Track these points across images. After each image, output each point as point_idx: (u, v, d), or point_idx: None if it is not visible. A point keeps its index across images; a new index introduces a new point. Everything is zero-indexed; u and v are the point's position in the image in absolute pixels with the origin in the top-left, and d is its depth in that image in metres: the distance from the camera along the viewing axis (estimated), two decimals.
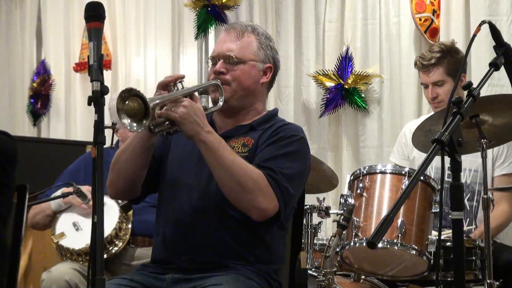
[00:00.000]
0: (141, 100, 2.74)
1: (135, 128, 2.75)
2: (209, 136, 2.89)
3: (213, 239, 2.97)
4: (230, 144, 3.04)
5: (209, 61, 3.19)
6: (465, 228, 4.07)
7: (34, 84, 7.20)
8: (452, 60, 4.44)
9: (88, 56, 2.40)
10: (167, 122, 2.90)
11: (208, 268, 2.95)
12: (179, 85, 2.92)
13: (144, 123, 2.74)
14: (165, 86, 2.92)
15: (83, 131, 6.95)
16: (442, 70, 4.43)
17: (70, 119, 7.11)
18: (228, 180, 2.88)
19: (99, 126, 2.34)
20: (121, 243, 4.13)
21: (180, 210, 3.03)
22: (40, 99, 7.18)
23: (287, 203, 2.96)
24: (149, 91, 6.51)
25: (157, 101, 2.83)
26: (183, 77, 2.94)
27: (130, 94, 2.73)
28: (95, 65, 2.38)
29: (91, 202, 4.13)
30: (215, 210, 2.98)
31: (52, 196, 4.28)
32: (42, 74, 7.18)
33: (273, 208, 2.92)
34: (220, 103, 3.07)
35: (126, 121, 2.74)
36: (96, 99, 2.35)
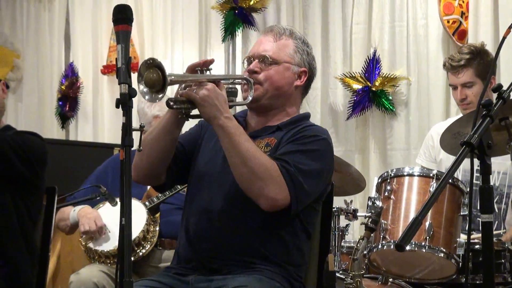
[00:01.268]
0: (160, 72, 2.76)
1: (147, 97, 2.79)
2: (227, 121, 2.90)
3: (236, 237, 2.98)
4: (255, 143, 3.04)
5: (245, 61, 3.21)
6: (494, 232, 4.04)
7: (63, 87, 7.24)
8: (481, 62, 4.40)
9: (116, 59, 2.41)
10: (187, 103, 2.92)
11: (230, 267, 2.96)
12: (207, 72, 2.95)
13: (158, 96, 2.78)
14: (193, 69, 2.96)
15: (110, 134, 6.98)
16: (472, 71, 4.40)
17: (98, 121, 7.15)
18: (240, 165, 2.89)
19: (127, 129, 2.35)
20: (149, 245, 4.14)
21: (204, 207, 3.04)
22: (68, 102, 7.23)
23: (299, 198, 2.94)
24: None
25: (176, 78, 2.88)
26: (212, 61, 2.98)
27: (153, 64, 2.76)
28: (123, 68, 2.39)
29: (118, 205, 4.15)
30: (239, 209, 2.99)
31: (80, 199, 4.30)
32: (70, 77, 7.22)
33: (283, 199, 2.90)
34: (249, 98, 3.08)
35: (142, 88, 2.77)
36: (124, 102, 2.36)
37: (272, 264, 2.98)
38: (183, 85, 2.93)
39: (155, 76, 2.77)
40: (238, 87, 3.14)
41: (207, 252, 3.00)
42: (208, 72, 2.96)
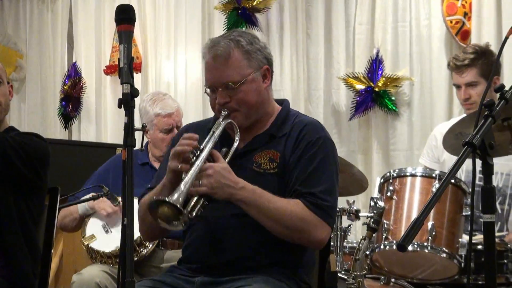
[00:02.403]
0: (169, 204, 2.71)
1: (179, 228, 2.76)
2: (244, 192, 2.86)
3: (245, 241, 2.96)
4: (255, 159, 3.01)
5: (207, 90, 3.08)
6: (497, 234, 4.04)
7: (65, 87, 7.25)
8: (486, 62, 4.40)
9: (119, 59, 2.41)
10: (200, 197, 2.84)
11: (238, 269, 2.94)
12: (194, 150, 2.86)
13: (182, 218, 2.73)
14: (180, 155, 2.86)
15: (113, 134, 6.99)
16: (476, 71, 4.40)
17: (101, 121, 7.16)
18: (277, 227, 2.89)
19: (129, 129, 2.35)
20: (151, 245, 4.14)
21: (212, 210, 3.02)
22: (71, 102, 7.24)
23: (334, 216, 3.00)
24: (179, 94, 6.55)
25: (183, 198, 2.74)
26: (196, 138, 2.87)
27: (157, 204, 2.72)
28: (126, 68, 2.39)
29: (121, 204, 4.15)
30: (248, 217, 2.94)
31: (82, 198, 4.30)
32: (73, 77, 7.24)
33: (327, 233, 2.94)
34: (236, 143, 2.99)
35: (166, 225, 2.75)
36: (126, 102, 2.36)
37: (283, 267, 2.98)
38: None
39: (165, 210, 2.71)
40: None
41: (218, 254, 2.99)
42: (194, 150, 2.86)
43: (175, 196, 2.70)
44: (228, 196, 2.86)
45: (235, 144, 3.00)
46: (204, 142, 2.90)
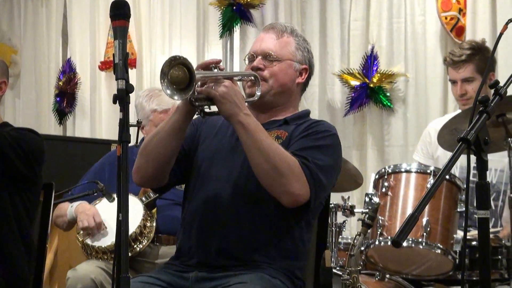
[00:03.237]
0: (187, 70, 2.75)
1: (175, 97, 2.79)
2: (247, 118, 2.90)
3: (240, 232, 2.97)
4: None
5: (246, 59, 3.22)
6: (492, 230, 4.04)
7: (60, 83, 7.25)
8: (482, 58, 4.40)
9: (113, 55, 2.41)
10: (206, 100, 2.90)
11: (232, 265, 2.95)
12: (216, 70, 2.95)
13: (185, 94, 2.76)
14: (206, 67, 2.93)
15: (108, 130, 6.99)
16: (472, 67, 4.40)
17: (95, 117, 7.16)
18: (263, 162, 2.87)
19: (124, 124, 2.34)
20: (145, 241, 4.14)
21: (208, 202, 3.02)
22: (65, 98, 7.23)
23: (318, 193, 2.95)
24: None
25: (202, 75, 2.85)
26: (220, 61, 2.97)
27: (177, 61, 2.75)
28: (120, 64, 2.38)
29: (115, 200, 4.15)
30: (244, 204, 2.98)
31: (77, 195, 4.30)
32: (68, 73, 7.23)
33: (305, 195, 2.91)
34: (258, 94, 3.09)
35: (168, 89, 2.76)
36: (121, 98, 2.35)
37: (276, 261, 2.98)
38: (199, 82, 2.90)
39: (180, 73, 2.75)
40: (240, 84, 3.14)
41: (213, 248, 2.99)
42: (217, 70, 2.94)
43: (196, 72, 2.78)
44: (232, 113, 2.88)
45: (255, 98, 3.09)
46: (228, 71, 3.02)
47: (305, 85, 3.27)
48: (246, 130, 2.89)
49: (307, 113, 3.28)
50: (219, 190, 3.02)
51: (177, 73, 2.76)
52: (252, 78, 3.11)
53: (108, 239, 4.14)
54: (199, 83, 2.88)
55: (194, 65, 2.83)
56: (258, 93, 3.09)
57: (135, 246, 4.11)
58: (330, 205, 3.95)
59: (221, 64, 2.97)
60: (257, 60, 3.15)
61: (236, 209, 2.98)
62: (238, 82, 3.09)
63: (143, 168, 3.05)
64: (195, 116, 3.00)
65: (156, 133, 3.04)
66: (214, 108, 2.93)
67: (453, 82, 4.51)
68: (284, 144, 3.02)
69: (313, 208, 3.00)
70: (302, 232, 3.05)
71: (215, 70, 2.93)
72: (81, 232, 4.25)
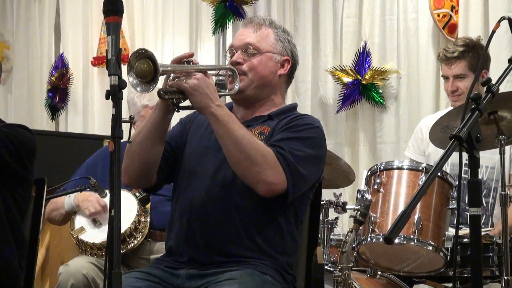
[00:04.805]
0: (152, 63, 2.77)
1: (138, 89, 2.80)
2: (219, 109, 2.90)
3: (228, 229, 2.97)
4: None
5: (227, 53, 3.22)
6: (484, 229, 4.05)
7: (53, 78, 7.22)
8: (476, 56, 4.41)
9: (106, 51, 2.41)
10: (177, 93, 2.92)
11: (222, 261, 2.95)
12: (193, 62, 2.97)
13: (149, 86, 2.78)
14: (179, 61, 2.95)
15: (100, 125, 6.97)
16: (465, 64, 4.41)
17: (88, 113, 7.14)
18: (236, 152, 2.89)
19: (116, 120, 2.34)
20: (140, 237, 4.14)
21: (195, 200, 3.03)
22: (58, 93, 7.21)
23: (296, 183, 2.95)
24: None
25: (169, 68, 2.89)
26: (192, 54, 2.98)
27: (144, 54, 2.77)
28: (113, 59, 2.38)
29: (108, 196, 4.14)
30: (230, 200, 2.98)
31: (69, 191, 4.29)
32: (60, 68, 7.20)
33: (281, 184, 2.90)
34: (235, 88, 3.09)
35: (133, 80, 2.78)
36: (114, 93, 2.35)
37: (266, 256, 2.98)
38: (172, 76, 2.93)
39: (146, 67, 2.78)
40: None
41: (202, 246, 2.99)
42: (195, 63, 2.97)
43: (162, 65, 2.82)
44: (204, 105, 2.90)
45: (232, 91, 3.09)
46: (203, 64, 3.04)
47: (289, 76, 3.26)
48: (218, 121, 2.90)
49: (293, 107, 3.27)
50: (205, 187, 3.03)
51: (142, 66, 2.78)
52: (230, 72, 3.12)
53: (103, 235, 4.14)
54: (171, 76, 2.91)
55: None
56: (236, 87, 3.09)
57: (129, 242, 4.11)
58: (322, 202, 3.96)
59: (194, 58, 2.98)
60: (236, 54, 3.15)
61: (222, 205, 2.99)
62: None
63: (130, 168, 3.07)
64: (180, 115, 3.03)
65: (138, 132, 3.07)
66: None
67: (445, 78, 4.52)
68: (266, 139, 3.03)
69: (294, 201, 3.00)
70: (291, 227, 3.06)
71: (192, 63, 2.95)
72: (76, 228, 4.24)
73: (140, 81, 2.79)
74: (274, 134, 3.06)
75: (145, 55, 2.78)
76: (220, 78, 3.12)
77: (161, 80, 2.90)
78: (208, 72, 3.00)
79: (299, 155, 2.96)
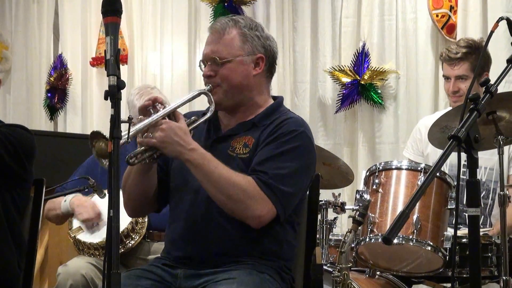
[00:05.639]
0: (106, 140, 2.72)
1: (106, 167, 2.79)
2: (193, 154, 2.88)
3: (222, 238, 2.97)
4: (232, 144, 3.04)
5: (201, 64, 3.13)
6: (483, 230, 4.05)
7: (51, 79, 7.23)
8: (478, 57, 4.40)
9: (105, 51, 2.41)
10: (149, 150, 2.90)
11: (219, 262, 2.95)
12: (159, 106, 2.90)
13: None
14: (144, 110, 2.91)
15: (99, 126, 6.97)
16: (468, 65, 4.40)
17: (87, 113, 7.15)
18: (218, 194, 2.89)
19: (115, 121, 2.34)
20: (137, 237, 4.14)
21: (188, 211, 3.03)
22: (57, 94, 7.22)
23: (285, 204, 2.94)
24: (165, 86, 6.54)
25: (135, 131, 2.80)
26: (160, 101, 2.91)
27: (95, 136, 2.72)
28: (112, 60, 2.38)
29: (107, 196, 4.14)
30: (223, 213, 2.96)
31: (68, 191, 4.29)
32: (59, 69, 7.21)
33: (269, 213, 2.90)
34: (209, 113, 3.04)
35: (102, 161, 2.74)
36: (113, 94, 2.35)
37: (263, 260, 2.98)
38: (139, 134, 2.88)
39: (104, 145, 2.71)
40: None
41: (197, 253, 2.99)
42: (160, 106, 2.91)
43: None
44: (177, 154, 2.88)
45: (206, 116, 3.04)
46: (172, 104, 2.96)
47: (269, 71, 3.16)
48: (194, 166, 2.89)
49: (277, 105, 3.17)
50: (196, 198, 3.03)
51: (100, 145, 2.73)
52: (203, 94, 3.07)
53: (100, 235, 4.15)
54: (138, 134, 2.86)
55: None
56: (212, 108, 3.04)
57: (127, 242, 4.12)
58: (321, 202, 3.96)
59: (160, 97, 2.95)
60: (206, 67, 3.08)
61: (215, 218, 2.99)
62: None
63: (130, 203, 3.15)
64: None
65: (129, 172, 3.08)
66: None
67: (447, 78, 4.51)
68: (251, 152, 3.00)
69: (286, 217, 2.98)
70: (287, 234, 3.05)
71: (160, 107, 2.90)
72: (73, 228, 4.25)
73: (107, 160, 2.78)
74: (259, 145, 3.01)
75: (97, 137, 2.74)
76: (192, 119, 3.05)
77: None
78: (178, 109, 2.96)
79: (284, 173, 2.93)
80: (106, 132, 2.50)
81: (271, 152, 2.96)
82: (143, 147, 2.88)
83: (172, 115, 2.93)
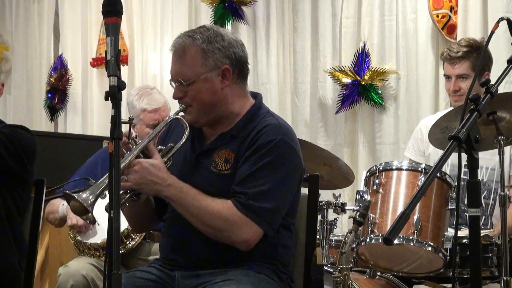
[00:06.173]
0: (76, 200, 2.78)
1: (92, 220, 2.83)
2: (171, 189, 2.90)
3: (212, 245, 2.96)
4: (214, 159, 3.01)
5: (171, 83, 3.09)
6: (484, 231, 4.05)
7: (52, 79, 7.23)
8: (479, 57, 4.39)
9: (105, 51, 2.41)
10: (128, 193, 2.92)
11: (215, 264, 2.96)
12: (133, 142, 2.92)
13: (92, 216, 2.79)
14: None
15: (99, 126, 6.98)
16: (468, 64, 4.40)
17: (87, 114, 7.15)
18: (200, 225, 2.91)
19: (116, 121, 2.34)
20: (138, 237, 4.14)
21: (177, 222, 3.02)
22: (57, 94, 7.22)
23: (270, 221, 2.92)
24: (165, 86, 6.53)
25: (94, 195, 2.80)
26: (125, 136, 2.74)
27: (68, 198, 2.79)
28: (112, 60, 2.38)
29: (107, 197, 4.14)
30: None
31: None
32: (60, 69, 7.21)
33: (255, 234, 2.90)
34: (184, 138, 3.02)
35: (82, 217, 2.81)
36: (113, 94, 2.35)
37: (260, 262, 2.99)
38: None
39: (78, 204, 2.77)
40: None
41: (191, 258, 3.01)
42: (133, 144, 2.92)
43: (85, 194, 2.77)
44: (156, 192, 2.91)
45: (182, 141, 3.02)
46: (145, 137, 2.96)
47: (239, 76, 3.06)
48: (173, 201, 2.93)
49: (257, 108, 3.09)
50: None
51: (75, 203, 2.78)
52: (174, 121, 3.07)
53: (100, 236, 4.15)
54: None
55: None
56: (186, 132, 3.02)
57: (127, 243, 4.11)
58: (321, 203, 3.96)
59: (132, 133, 2.97)
60: (175, 90, 3.04)
61: None
62: None
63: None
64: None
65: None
66: None
67: (448, 77, 4.50)
68: (233, 167, 2.97)
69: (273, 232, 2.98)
70: (281, 237, 3.05)
71: (130, 146, 2.91)
72: (72, 229, 4.25)
73: (84, 216, 2.81)
74: (239, 160, 2.97)
75: (69, 197, 2.78)
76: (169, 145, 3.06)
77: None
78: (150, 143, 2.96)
79: (264, 189, 2.90)
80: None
81: (250, 169, 2.93)
82: (121, 191, 2.85)
83: (146, 149, 2.93)
